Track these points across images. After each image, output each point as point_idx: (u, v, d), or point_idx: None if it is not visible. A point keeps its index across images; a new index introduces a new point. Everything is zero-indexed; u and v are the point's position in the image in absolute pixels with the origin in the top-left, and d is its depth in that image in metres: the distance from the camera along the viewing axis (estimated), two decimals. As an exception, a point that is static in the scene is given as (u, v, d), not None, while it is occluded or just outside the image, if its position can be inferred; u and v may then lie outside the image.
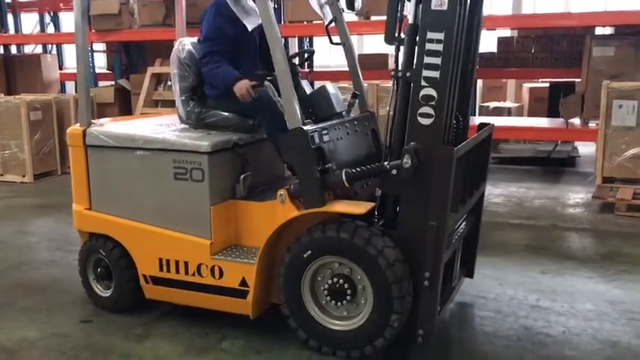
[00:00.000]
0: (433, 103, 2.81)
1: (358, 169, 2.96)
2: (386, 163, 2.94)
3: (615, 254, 4.67)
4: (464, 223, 3.55)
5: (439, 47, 2.77)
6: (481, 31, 3.30)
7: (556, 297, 3.83)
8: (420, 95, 2.83)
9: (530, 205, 6.23)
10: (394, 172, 2.88)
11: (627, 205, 5.72)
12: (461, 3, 2.84)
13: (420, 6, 2.83)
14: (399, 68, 2.95)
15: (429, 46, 2.79)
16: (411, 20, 2.90)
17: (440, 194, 2.76)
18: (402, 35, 2.95)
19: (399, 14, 2.95)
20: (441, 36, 2.77)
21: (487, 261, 4.32)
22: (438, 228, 2.77)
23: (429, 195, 2.79)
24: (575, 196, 6.57)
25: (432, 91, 2.81)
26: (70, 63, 12.40)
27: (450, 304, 3.48)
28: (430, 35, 2.78)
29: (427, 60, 2.80)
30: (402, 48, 2.95)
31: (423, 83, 2.82)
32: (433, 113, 2.81)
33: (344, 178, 2.95)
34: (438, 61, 2.78)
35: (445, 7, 2.75)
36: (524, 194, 6.69)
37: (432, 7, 2.77)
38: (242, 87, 3.37)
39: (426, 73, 2.81)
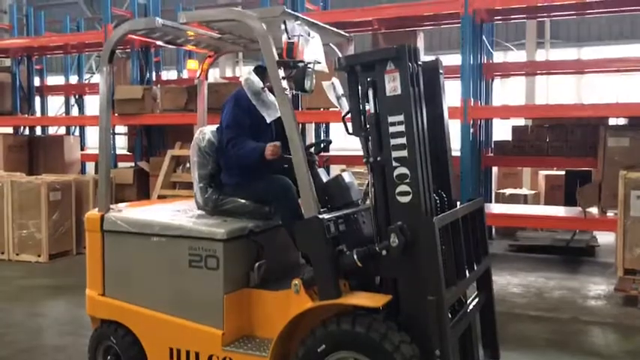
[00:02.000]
0: (408, 180, 2.96)
1: (365, 247, 3.01)
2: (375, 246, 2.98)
3: (641, 351, 4.50)
4: (475, 300, 3.49)
5: (401, 128, 2.97)
6: (446, 107, 3.39)
7: (581, 398, 3.67)
8: (395, 175, 2.99)
9: (549, 296, 6.07)
10: (384, 252, 2.93)
11: (651, 299, 5.56)
12: (414, 85, 3.01)
13: (378, 96, 3.02)
14: (370, 155, 3.08)
15: (392, 129, 2.99)
16: (372, 110, 3.06)
17: (431, 266, 2.81)
18: (368, 126, 3.10)
19: (361, 107, 3.12)
20: (401, 118, 2.97)
21: (507, 356, 4.15)
22: (436, 302, 2.77)
23: (422, 271, 2.81)
24: (597, 288, 6.40)
25: (404, 170, 2.97)
26: (92, 143, 12.69)
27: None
28: (391, 119, 2.99)
29: (393, 142, 2.99)
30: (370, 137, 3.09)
31: (395, 164, 2.98)
32: (410, 190, 2.96)
33: (355, 257, 2.97)
34: (403, 140, 2.97)
35: (399, 92, 2.96)
36: (543, 284, 6.54)
37: (387, 94, 2.99)
38: (269, 149, 3.47)
39: (395, 153, 2.98)
